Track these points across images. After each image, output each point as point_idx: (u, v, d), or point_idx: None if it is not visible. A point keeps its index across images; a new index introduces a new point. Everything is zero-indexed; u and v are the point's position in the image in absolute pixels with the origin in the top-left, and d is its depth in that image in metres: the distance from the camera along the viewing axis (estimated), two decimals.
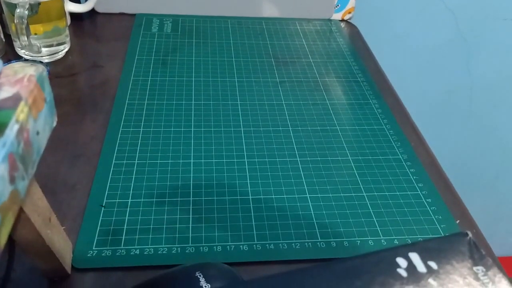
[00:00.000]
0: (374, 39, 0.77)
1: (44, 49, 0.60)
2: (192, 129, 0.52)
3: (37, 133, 0.22)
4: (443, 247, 0.25)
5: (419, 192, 0.46)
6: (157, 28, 0.71)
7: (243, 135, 0.52)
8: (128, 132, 0.50)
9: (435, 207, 0.44)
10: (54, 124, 0.25)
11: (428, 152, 0.52)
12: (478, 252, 0.24)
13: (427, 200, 0.45)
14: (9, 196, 0.19)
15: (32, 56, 0.60)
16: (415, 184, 0.47)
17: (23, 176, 0.20)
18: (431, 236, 0.41)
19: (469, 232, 0.24)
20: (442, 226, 0.42)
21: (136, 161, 0.47)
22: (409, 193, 0.46)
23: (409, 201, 0.45)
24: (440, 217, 0.43)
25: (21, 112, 0.21)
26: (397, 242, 0.40)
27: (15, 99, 0.21)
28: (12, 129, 0.20)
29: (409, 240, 0.41)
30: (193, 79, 0.60)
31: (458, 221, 0.43)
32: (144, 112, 0.53)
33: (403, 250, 0.24)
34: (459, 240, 0.25)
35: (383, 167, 0.49)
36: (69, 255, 0.36)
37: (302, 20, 0.78)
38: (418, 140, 0.54)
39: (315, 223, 0.42)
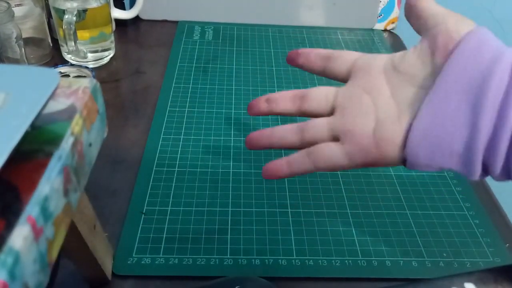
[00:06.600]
0: None
1: (89, 55, 0.61)
2: (232, 138, 0.52)
3: (90, 144, 0.22)
4: (500, 279, 0.24)
5: (466, 213, 0.44)
6: (199, 35, 0.72)
7: None
8: (168, 139, 0.51)
9: (483, 229, 0.42)
10: (105, 135, 0.25)
11: None
12: None
13: (475, 221, 0.43)
14: (62, 209, 0.19)
15: (78, 61, 0.61)
16: (462, 204, 0.45)
17: (75, 189, 0.21)
18: (478, 260, 0.39)
19: None
20: (490, 249, 0.40)
21: (176, 169, 0.47)
22: (455, 213, 0.44)
23: (455, 221, 0.43)
24: (489, 240, 0.41)
25: (76, 124, 0.21)
26: (442, 265, 0.39)
27: (70, 111, 0.21)
28: (67, 142, 0.20)
29: (455, 264, 0.39)
30: (233, 87, 0.60)
31: (507, 244, 0.41)
32: (184, 120, 0.54)
33: (459, 279, 0.23)
34: None
35: (427, 184, 0.47)
36: (110, 261, 0.36)
37: (344, 29, 0.77)
38: None
39: (356, 240, 0.41)
